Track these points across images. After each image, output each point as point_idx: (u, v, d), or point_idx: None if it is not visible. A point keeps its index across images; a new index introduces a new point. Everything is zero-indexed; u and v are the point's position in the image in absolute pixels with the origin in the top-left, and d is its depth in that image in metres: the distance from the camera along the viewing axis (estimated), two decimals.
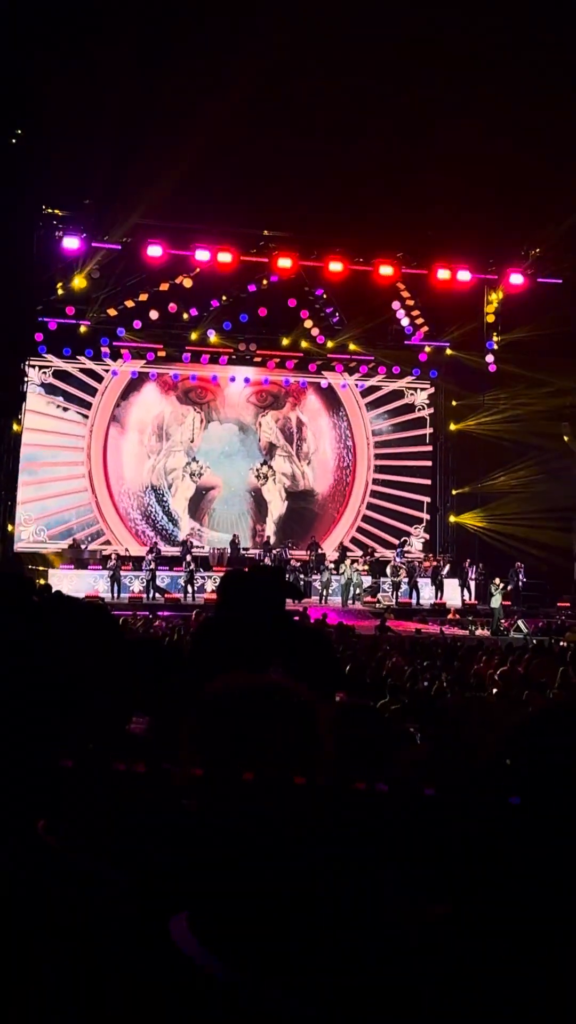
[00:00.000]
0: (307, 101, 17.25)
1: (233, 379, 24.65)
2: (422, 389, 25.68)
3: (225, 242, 20.86)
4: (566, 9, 15.83)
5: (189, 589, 21.25)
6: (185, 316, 22.30)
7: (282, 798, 1.32)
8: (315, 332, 23.46)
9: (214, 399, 24.80)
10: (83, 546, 22.84)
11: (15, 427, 21.88)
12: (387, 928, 1.48)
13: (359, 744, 2.18)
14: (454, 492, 25.26)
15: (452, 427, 25.06)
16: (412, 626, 19.25)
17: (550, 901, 1.43)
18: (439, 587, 22.66)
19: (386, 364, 24.70)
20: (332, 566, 22.64)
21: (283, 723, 1.39)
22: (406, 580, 22.60)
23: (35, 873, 1.33)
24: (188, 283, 21.39)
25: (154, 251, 20.49)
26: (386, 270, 21.70)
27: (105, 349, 22.90)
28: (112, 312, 21.65)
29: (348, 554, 23.61)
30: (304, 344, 23.80)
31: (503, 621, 20.15)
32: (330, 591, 21.75)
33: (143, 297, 21.45)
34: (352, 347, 24.00)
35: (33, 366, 22.98)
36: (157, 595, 21.02)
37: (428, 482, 25.60)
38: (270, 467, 24.98)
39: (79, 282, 20.75)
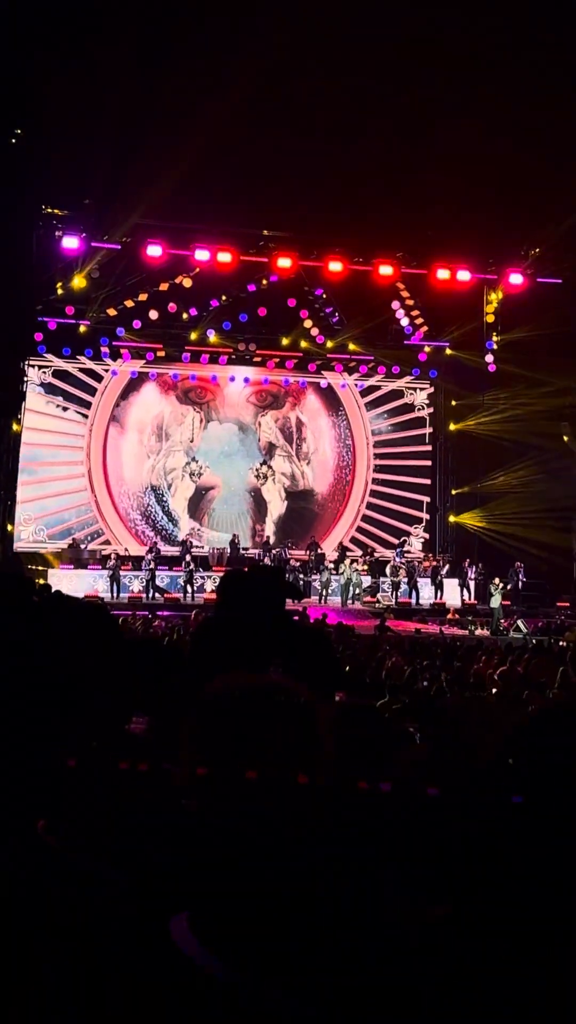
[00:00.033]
0: (307, 101, 17.23)
1: (233, 379, 24.65)
2: (421, 389, 25.67)
3: (225, 242, 20.85)
4: (566, 9, 15.81)
5: (189, 589, 21.25)
6: (185, 316, 22.29)
7: (282, 798, 1.32)
8: (315, 332, 23.46)
9: (214, 399, 24.80)
10: (83, 546, 22.83)
11: (15, 427, 21.87)
12: (387, 928, 1.48)
13: (359, 744, 2.17)
14: (454, 492, 25.26)
15: (452, 427, 25.05)
16: (412, 626, 19.23)
17: (550, 901, 1.43)
18: (439, 587, 22.65)
19: (386, 364, 24.70)
20: (332, 566, 22.64)
21: (283, 723, 1.39)
22: (406, 580, 22.59)
23: (35, 873, 1.33)
24: (188, 283, 21.39)
25: (154, 251, 20.47)
26: (386, 270, 21.67)
27: (105, 349, 22.91)
28: (112, 312, 21.66)
29: (348, 554, 23.61)
30: (304, 344, 23.80)
31: (503, 621, 20.13)
32: (330, 591, 21.75)
33: (143, 297, 21.45)
34: (352, 347, 23.99)
35: (33, 366, 22.99)
36: (157, 595, 21.01)
37: (428, 482, 25.59)
38: (270, 467, 24.97)
39: (79, 282, 20.75)
